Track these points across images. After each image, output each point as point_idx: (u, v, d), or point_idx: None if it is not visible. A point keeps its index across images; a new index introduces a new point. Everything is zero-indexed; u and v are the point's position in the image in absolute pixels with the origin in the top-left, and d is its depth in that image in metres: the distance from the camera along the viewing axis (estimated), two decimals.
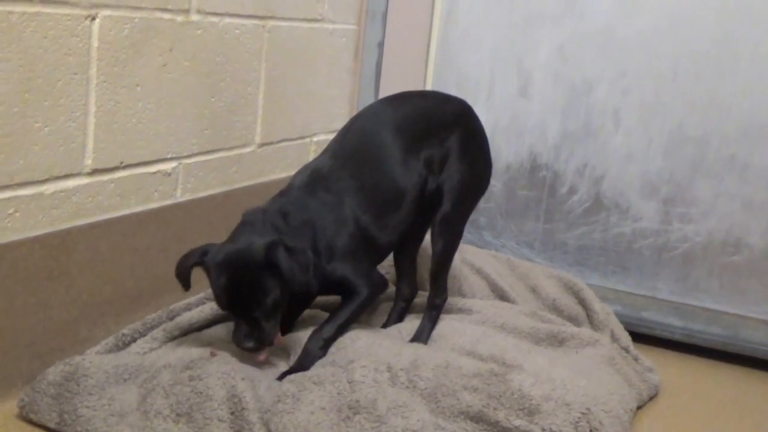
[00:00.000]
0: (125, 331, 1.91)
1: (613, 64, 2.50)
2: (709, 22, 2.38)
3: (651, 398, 2.05)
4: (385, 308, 2.16)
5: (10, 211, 1.67)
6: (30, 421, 1.64)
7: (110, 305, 1.93)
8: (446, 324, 2.04)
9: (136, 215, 1.97)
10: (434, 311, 2.03)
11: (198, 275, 1.76)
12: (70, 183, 1.80)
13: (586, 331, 2.09)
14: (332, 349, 1.84)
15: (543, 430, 1.62)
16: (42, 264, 1.75)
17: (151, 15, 1.92)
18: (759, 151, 2.36)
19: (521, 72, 2.61)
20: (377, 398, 1.61)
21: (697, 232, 2.45)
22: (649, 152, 2.48)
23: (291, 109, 2.50)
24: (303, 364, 1.80)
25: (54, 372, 1.66)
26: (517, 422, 1.62)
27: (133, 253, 1.97)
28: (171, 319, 1.95)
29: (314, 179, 1.90)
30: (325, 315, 1.96)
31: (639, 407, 1.97)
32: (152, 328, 1.93)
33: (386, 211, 1.92)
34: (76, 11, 1.74)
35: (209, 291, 1.82)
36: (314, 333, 1.84)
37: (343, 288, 1.88)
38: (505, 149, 2.62)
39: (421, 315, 2.05)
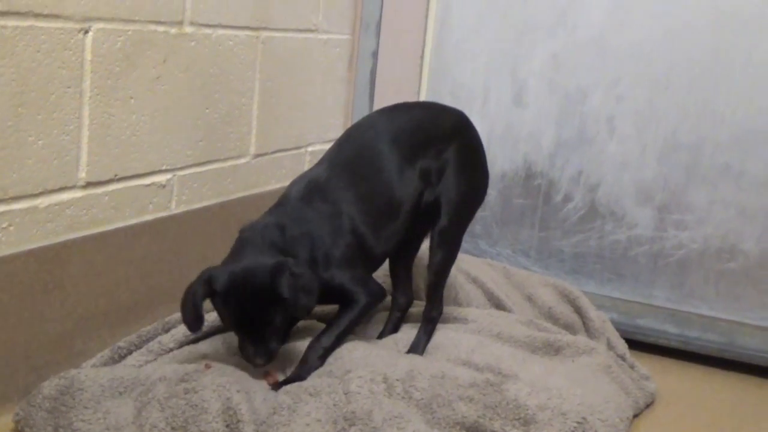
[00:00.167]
0: (121, 343, 1.90)
1: (606, 72, 2.50)
2: (703, 30, 2.39)
3: (647, 406, 2.04)
4: (380, 318, 2.16)
5: (4, 225, 1.67)
6: None
7: (105, 318, 1.93)
8: (442, 334, 2.04)
9: (131, 227, 1.97)
10: (430, 325, 2.03)
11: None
12: (65, 196, 1.80)
13: (582, 340, 2.09)
14: (329, 359, 1.84)
15: None
16: (37, 277, 1.75)
17: (145, 27, 1.92)
18: (753, 158, 2.37)
19: (515, 80, 2.61)
20: (373, 409, 1.61)
21: (692, 239, 2.45)
22: (644, 160, 2.48)
23: (285, 119, 2.50)
24: (301, 374, 1.80)
25: (49, 386, 1.65)
26: None
27: (128, 265, 1.97)
28: (166, 331, 1.95)
29: (311, 189, 1.90)
30: (320, 325, 1.96)
31: (635, 415, 1.97)
32: (148, 340, 1.93)
33: (382, 221, 1.92)
34: (69, 25, 1.74)
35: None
36: (313, 342, 1.84)
37: (341, 296, 1.87)
38: (499, 157, 2.62)
39: (417, 324, 2.05)
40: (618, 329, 2.29)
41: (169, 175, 2.08)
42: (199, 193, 2.19)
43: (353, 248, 1.88)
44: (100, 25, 1.81)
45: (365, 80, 2.78)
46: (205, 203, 2.21)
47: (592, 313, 2.26)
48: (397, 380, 1.72)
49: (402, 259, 2.12)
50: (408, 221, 1.96)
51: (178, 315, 1.99)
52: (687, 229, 2.45)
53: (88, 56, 1.79)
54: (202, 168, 2.18)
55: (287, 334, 1.95)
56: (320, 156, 2.03)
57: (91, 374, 1.69)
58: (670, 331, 2.43)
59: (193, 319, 1.70)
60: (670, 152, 2.45)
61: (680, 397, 2.14)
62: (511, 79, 2.62)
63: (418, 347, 1.98)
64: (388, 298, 2.15)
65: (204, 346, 1.92)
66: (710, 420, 2.06)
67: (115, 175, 1.91)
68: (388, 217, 1.93)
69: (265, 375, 1.78)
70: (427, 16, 2.69)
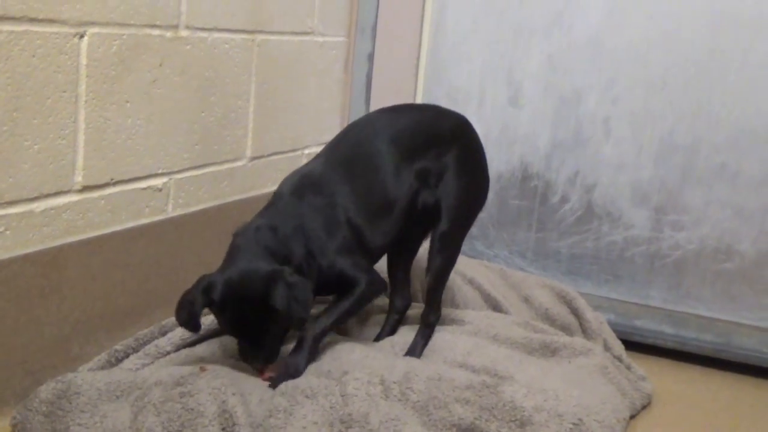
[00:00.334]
0: (118, 347, 1.91)
1: (602, 73, 2.50)
2: (698, 31, 2.39)
3: (644, 407, 2.05)
4: (378, 320, 2.17)
5: (1, 230, 1.67)
6: None
7: (102, 322, 1.93)
8: (439, 336, 2.04)
9: (128, 231, 1.97)
10: (428, 329, 2.03)
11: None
12: (61, 200, 1.80)
13: (578, 341, 2.09)
14: (327, 360, 1.83)
15: None
16: (33, 282, 1.75)
17: (140, 31, 1.92)
18: (749, 159, 2.37)
19: (511, 82, 2.62)
20: (369, 412, 1.61)
21: (688, 239, 2.46)
22: (640, 161, 2.49)
23: (282, 122, 2.50)
24: (297, 360, 1.79)
25: (46, 390, 1.65)
26: None
27: (124, 269, 1.98)
28: (163, 334, 1.95)
29: (303, 183, 1.90)
30: None
31: (632, 416, 1.97)
32: (145, 344, 1.93)
33: (377, 216, 1.92)
34: (65, 29, 1.74)
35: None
36: (309, 324, 1.81)
37: (341, 282, 1.85)
38: (496, 159, 2.63)
39: (415, 327, 2.05)
40: (615, 330, 2.29)
41: (165, 179, 2.08)
42: (195, 196, 2.19)
43: (349, 239, 1.87)
44: (96, 29, 1.81)
45: (361, 83, 2.78)
46: (201, 206, 2.21)
47: (589, 314, 2.26)
48: (394, 382, 1.72)
49: (400, 261, 2.12)
50: (402, 219, 1.95)
51: (174, 318, 2.00)
52: (683, 230, 2.46)
53: (84, 60, 1.79)
54: (198, 171, 2.18)
55: (285, 333, 1.94)
56: None
57: (87, 378, 1.69)
58: (666, 331, 2.43)
59: (191, 327, 1.73)
60: (666, 153, 2.46)
61: (677, 398, 2.14)
62: (506, 80, 2.62)
63: (415, 350, 1.98)
64: (387, 300, 2.15)
65: (201, 349, 1.92)
66: (707, 420, 2.06)
67: (112, 179, 1.92)
68: (382, 212, 1.92)
69: (260, 371, 1.78)
70: (422, 19, 2.69)
